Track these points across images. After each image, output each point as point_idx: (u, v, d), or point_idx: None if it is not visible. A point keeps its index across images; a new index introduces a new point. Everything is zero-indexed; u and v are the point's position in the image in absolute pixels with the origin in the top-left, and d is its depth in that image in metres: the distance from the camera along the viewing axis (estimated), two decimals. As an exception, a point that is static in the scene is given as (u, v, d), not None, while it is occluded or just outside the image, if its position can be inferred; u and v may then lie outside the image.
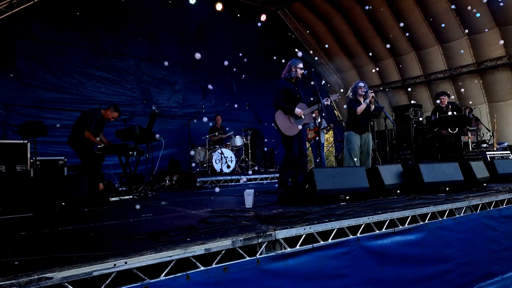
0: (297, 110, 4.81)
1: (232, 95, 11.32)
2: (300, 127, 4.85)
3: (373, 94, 5.64)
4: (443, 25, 9.44)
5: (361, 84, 5.77)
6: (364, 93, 5.69)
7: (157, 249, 1.90)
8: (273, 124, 4.93)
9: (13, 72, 7.75)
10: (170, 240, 2.08)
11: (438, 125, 7.30)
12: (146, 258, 1.82)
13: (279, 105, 4.88)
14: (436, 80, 11.07)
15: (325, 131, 9.78)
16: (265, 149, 10.21)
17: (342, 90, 5.31)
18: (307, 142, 10.14)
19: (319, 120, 8.61)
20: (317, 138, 7.47)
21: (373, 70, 12.23)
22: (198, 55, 4.76)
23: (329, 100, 4.93)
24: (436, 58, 10.72)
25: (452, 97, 10.47)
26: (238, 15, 11.00)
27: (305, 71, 4.92)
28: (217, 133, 8.95)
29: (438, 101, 7.54)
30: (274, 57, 11.33)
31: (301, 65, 5.00)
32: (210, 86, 9.26)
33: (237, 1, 11.08)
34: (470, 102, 10.00)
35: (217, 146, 8.55)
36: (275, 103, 4.91)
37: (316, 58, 13.13)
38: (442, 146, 7.48)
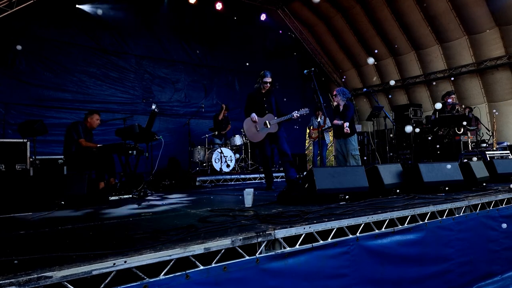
0: (252, 115, 5.32)
1: (235, 94, 11.28)
2: (264, 135, 5.30)
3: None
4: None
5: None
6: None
7: (156, 248, 1.90)
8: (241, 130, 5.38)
9: (13, 71, 7.72)
10: (170, 239, 2.08)
11: (438, 124, 7.30)
12: (146, 257, 1.82)
13: (245, 112, 5.49)
14: (436, 79, 11.06)
15: (329, 131, 9.77)
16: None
17: (308, 110, 5.43)
18: (311, 141, 10.15)
19: (321, 119, 8.61)
20: (320, 137, 7.47)
21: (373, 70, 12.23)
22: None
23: (298, 114, 5.24)
24: (436, 57, 10.71)
25: (453, 96, 10.46)
26: (239, 14, 10.98)
27: (305, 71, 4.95)
28: (220, 117, 9.13)
29: (449, 101, 7.51)
30: (274, 56, 11.37)
31: (266, 79, 5.35)
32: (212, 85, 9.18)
33: (237, 0, 11.06)
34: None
35: (217, 145, 8.55)
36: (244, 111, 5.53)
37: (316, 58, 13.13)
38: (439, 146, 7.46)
